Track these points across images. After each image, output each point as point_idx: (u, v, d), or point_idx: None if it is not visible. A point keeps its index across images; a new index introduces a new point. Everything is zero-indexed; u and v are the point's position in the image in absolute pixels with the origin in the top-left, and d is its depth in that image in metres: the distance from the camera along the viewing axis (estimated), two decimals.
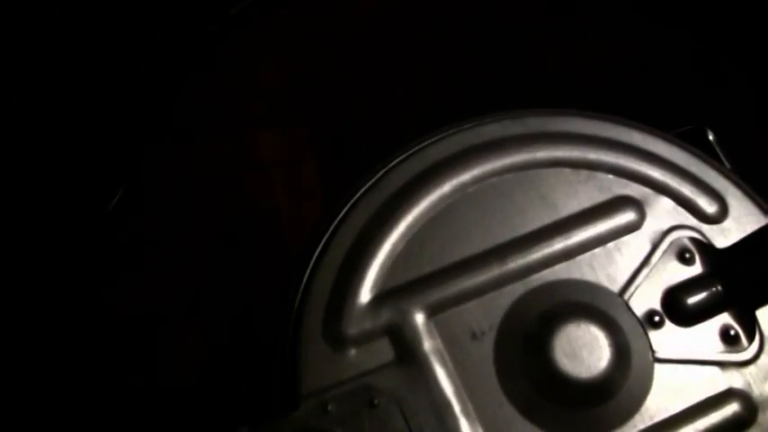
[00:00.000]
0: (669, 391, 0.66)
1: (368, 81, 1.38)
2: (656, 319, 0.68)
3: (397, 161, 0.73)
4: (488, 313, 0.68)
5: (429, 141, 0.74)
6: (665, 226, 0.71)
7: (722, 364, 0.68)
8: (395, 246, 0.69)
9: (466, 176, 0.71)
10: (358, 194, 0.72)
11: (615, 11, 1.45)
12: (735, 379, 0.67)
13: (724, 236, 0.71)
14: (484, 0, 1.45)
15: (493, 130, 0.74)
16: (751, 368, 0.68)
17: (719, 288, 0.68)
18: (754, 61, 1.38)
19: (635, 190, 0.72)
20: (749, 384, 0.67)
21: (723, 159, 0.79)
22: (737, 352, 0.68)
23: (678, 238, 0.70)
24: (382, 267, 0.68)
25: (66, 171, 1.32)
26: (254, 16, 1.41)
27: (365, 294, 0.67)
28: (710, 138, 0.80)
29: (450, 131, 0.74)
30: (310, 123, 1.35)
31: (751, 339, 0.68)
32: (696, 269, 0.70)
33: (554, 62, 1.41)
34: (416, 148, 0.74)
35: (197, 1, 1.38)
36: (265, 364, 0.72)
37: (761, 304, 0.68)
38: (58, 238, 1.29)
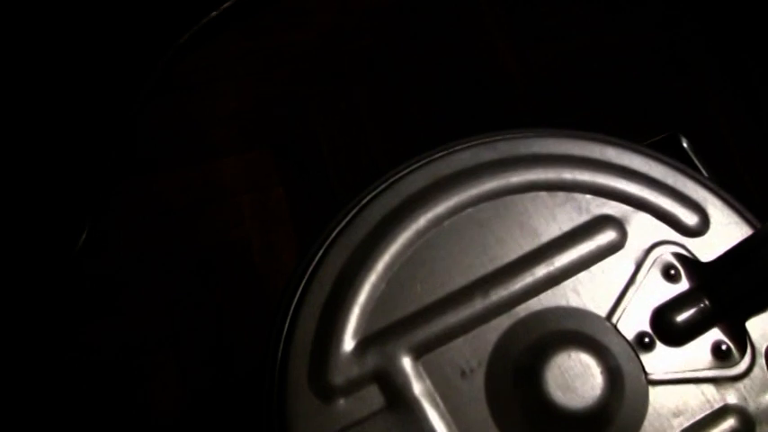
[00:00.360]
0: (666, 413, 0.66)
1: (330, 100, 1.36)
2: (647, 340, 0.67)
3: (368, 198, 0.72)
4: (476, 349, 0.67)
5: (400, 174, 0.73)
6: (648, 243, 0.70)
7: (716, 381, 0.67)
8: (375, 287, 0.68)
9: (441, 209, 0.70)
10: (332, 236, 0.71)
11: (599, 11, 1.44)
12: (730, 394, 0.67)
13: (707, 248, 0.71)
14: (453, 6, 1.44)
15: (464, 158, 0.73)
16: (745, 381, 0.67)
17: (708, 303, 0.68)
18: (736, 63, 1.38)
19: (614, 208, 0.72)
20: (744, 399, 0.67)
21: (700, 167, 0.79)
22: (730, 366, 0.68)
23: (662, 255, 0.70)
24: (364, 311, 0.67)
25: (28, 214, 1.30)
26: (208, 40, 1.39)
27: (349, 341, 0.66)
28: (685, 145, 0.80)
29: (421, 162, 0.73)
30: (273, 146, 1.33)
31: (743, 352, 0.68)
32: (683, 285, 0.69)
33: (537, 61, 1.40)
34: (388, 182, 0.73)
35: (150, 26, 1.35)
36: (250, 416, 0.71)
37: (750, 316, 0.68)
38: (26, 283, 1.27)
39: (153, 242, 1.29)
